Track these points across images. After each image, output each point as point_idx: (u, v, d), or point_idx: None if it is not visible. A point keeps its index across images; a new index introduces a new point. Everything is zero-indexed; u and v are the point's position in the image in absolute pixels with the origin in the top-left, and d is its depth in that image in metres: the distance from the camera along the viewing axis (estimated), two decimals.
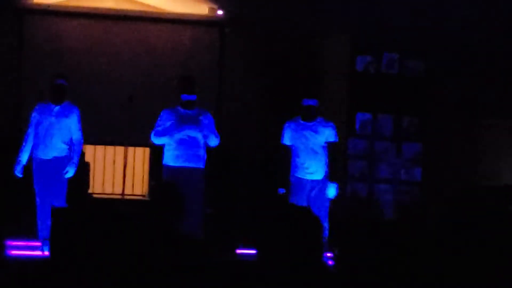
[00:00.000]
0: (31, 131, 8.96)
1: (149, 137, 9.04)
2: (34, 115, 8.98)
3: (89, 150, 12.01)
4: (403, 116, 11.99)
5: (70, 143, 9.06)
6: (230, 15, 12.09)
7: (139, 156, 12.33)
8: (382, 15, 11.12)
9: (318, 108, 9.17)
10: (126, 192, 11.74)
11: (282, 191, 9.17)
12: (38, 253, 8.65)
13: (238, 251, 9.28)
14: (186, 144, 8.86)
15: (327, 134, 9.14)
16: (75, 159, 9.05)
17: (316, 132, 9.10)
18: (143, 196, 12.29)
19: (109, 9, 12.13)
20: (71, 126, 9.04)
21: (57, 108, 8.99)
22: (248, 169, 11.49)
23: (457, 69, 11.81)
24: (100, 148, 12.35)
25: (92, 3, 12.13)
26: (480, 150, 11.96)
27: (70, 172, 9.00)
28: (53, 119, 8.96)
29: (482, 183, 11.63)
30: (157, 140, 8.98)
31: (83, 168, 11.34)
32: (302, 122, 9.14)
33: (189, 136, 8.85)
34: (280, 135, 9.30)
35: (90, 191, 11.59)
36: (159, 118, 8.96)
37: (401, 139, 11.99)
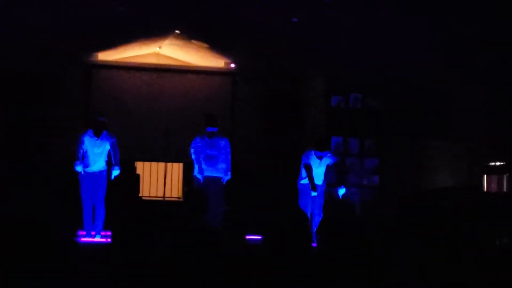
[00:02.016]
0: (80, 150, 8.75)
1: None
2: (83, 141, 8.77)
3: (139, 165, 12.00)
4: (365, 139, 11.97)
5: (107, 161, 8.86)
6: (240, 67, 12.12)
7: (176, 169, 12.32)
8: (349, 67, 11.17)
9: (328, 140, 9.27)
10: (166, 195, 11.75)
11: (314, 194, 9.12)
12: (101, 240, 8.56)
13: (248, 237, 9.23)
14: (209, 160, 9.00)
15: (328, 161, 9.23)
16: (117, 163, 8.82)
17: (322, 159, 9.16)
18: (179, 198, 12.27)
19: (151, 64, 12.16)
20: (109, 148, 8.84)
21: (99, 137, 8.83)
22: (255, 180, 11.50)
23: (405, 104, 11.82)
24: (147, 164, 12.35)
25: (140, 60, 12.16)
26: (422, 163, 11.95)
27: (114, 172, 8.77)
28: (97, 144, 8.80)
29: (422, 187, 11.61)
30: (194, 156, 9.03)
31: (135, 178, 11.35)
32: (314, 151, 9.13)
33: (211, 155, 8.98)
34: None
35: (140, 195, 11.58)
36: (193, 142, 9.03)
37: (364, 155, 11.98)
